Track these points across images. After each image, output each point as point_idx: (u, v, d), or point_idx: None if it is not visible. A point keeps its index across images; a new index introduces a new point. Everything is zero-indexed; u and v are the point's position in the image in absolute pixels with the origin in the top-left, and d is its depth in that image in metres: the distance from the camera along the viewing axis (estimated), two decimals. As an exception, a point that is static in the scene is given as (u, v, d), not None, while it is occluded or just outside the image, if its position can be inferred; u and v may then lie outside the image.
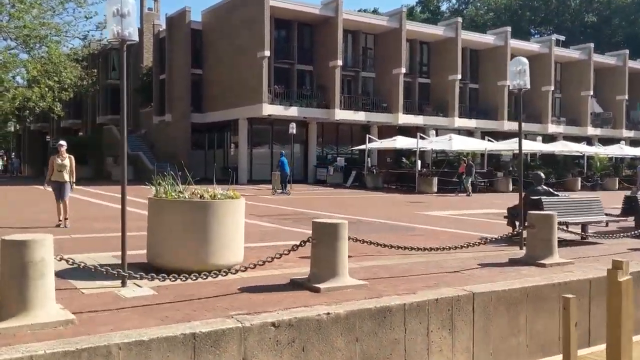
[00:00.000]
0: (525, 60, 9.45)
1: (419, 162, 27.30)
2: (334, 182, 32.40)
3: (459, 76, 37.74)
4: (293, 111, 32.08)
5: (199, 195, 7.11)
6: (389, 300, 5.84)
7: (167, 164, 37.08)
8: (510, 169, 31.14)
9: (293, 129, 28.31)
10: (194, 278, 5.86)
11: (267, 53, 30.73)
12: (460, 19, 38.90)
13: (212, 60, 35.84)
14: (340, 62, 32.98)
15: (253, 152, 33.91)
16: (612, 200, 17.15)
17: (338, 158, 34.80)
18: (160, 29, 39.89)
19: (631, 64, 46.58)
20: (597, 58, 44.84)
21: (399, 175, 30.09)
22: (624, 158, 38.47)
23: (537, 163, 33.40)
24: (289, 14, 32.97)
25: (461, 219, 14.98)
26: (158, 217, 7.07)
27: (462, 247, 7.95)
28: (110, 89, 46.91)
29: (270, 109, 31.25)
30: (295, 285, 6.46)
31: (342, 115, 33.33)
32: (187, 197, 7.07)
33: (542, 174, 11.31)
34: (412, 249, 7.33)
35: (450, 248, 7.84)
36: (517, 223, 11.02)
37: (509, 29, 40.63)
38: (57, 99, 32.41)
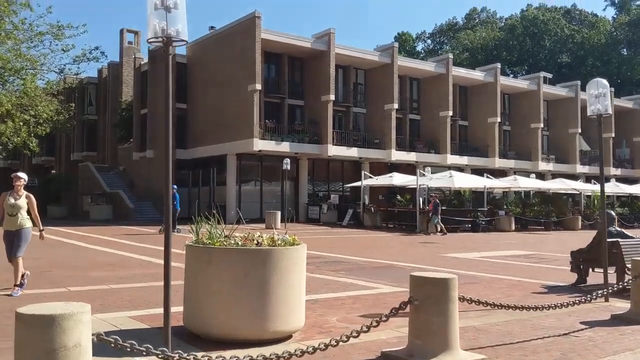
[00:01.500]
0: (605, 82, 8.25)
1: (420, 199, 25.99)
2: (329, 221, 30.88)
3: (451, 112, 36.98)
4: (285, 146, 30.68)
5: (254, 242, 5.56)
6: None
7: (149, 202, 35.28)
8: (505, 206, 30.12)
9: (287, 164, 26.92)
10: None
11: (259, 86, 29.46)
12: (451, 55, 38.39)
13: (197, 95, 34.42)
14: (332, 97, 31.88)
15: (242, 189, 32.26)
16: None
17: (332, 195, 33.35)
18: (142, 62, 38.41)
19: (616, 102, 46.63)
20: (584, 96, 44.67)
21: (397, 213, 28.71)
22: (619, 196, 37.92)
23: (536, 200, 32.46)
24: (280, 47, 31.90)
25: (497, 262, 13.58)
26: (201, 270, 5.48)
27: (562, 305, 6.49)
28: (87, 125, 45.04)
29: (261, 144, 29.81)
30: (392, 361, 4.92)
31: (335, 151, 32.06)
32: (239, 243, 5.52)
33: (614, 213, 10.03)
34: (523, 308, 5.85)
35: (550, 307, 6.37)
36: (582, 268, 9.69)
37: (498, 65, 40.31)
38: (32, 134, 30.52)
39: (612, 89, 44.97)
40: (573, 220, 30.64)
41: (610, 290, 6.67)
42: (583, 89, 45.24)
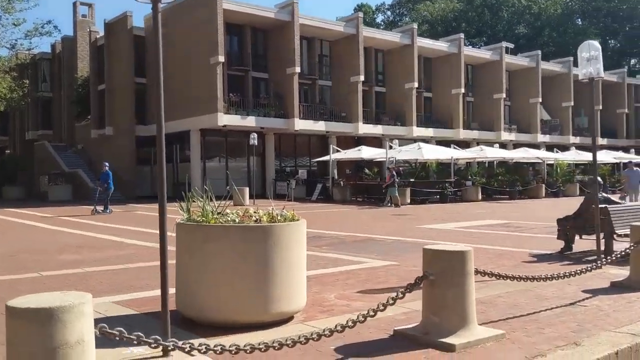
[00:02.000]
0: (597, 45, 8.05)
1: (386, 172, 25.81)
2: (297, 196, 30.50)
3: (416, 84, 36.86)
4: (250, 121, 30.05)
5: (253, 218, 5.17)
6: (567, 361, 4.12)
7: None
8: (470, 177, 30.27)
9: (254, 139, 26.34)
10: (262, 348, 3.90)
11: (222, 59, 28.63)
12: (416, 26, 38.15)
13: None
14: (298, 69, 31.29)
15: (207, 166, 31.55)
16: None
17: (300, 171, 32.93)
18: (98, 36, 36.90)
19: (575, 70, 47.30)
20: (545, 66, 45.26)
21: (367, 187, 28.54)
22: (578, 164, 38.65)
23: (501, 170, 32.77)
24: (242, 18, 31.01)
25: (476, 232, 13.50)
26: (195, 250, 5.06)
27: (568, 275, 6.32)
28: (41, 102, 43.24)
29: (226, 119, 29.10)
30: (407, 340, 4.63)
31: (302, 125, 31.59)
32: (236, 220, 5.12)
33: (601, 180, 9.95)
34: (534, 279, 5.63)
35: (555, 277, 6.20)
36: (569, 235, 9.62)
37: (461, 35, 40.29)
38: (-16, 112, 29.10)
39: (571, 59, 45.71)
40: (537, 188, 31.06)
41: (613, 258, 6.54)
42: (544, 59, 45.85)
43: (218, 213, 5.34)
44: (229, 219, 5.11)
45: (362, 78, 33.93)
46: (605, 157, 36.88)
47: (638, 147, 46.53)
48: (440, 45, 39.65)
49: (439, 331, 4.52)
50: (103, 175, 21.54)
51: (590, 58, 8.03)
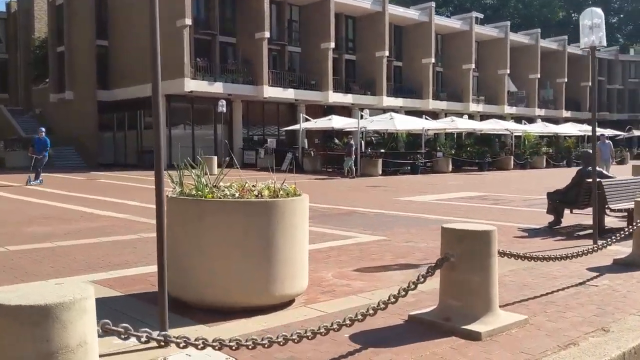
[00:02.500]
0: (600, 12, 7.71)
1: (362, 143, 25.50)
2: (266, 166, 29.88)
3: (387, 53, 36.36)
4: (218, 87, 29.14)
5: (254, 193, 4.69)
6: (605, 352, 3.83)
7: (71, 147, 32.95)
8: (440, 148, 30.18)
9: (223, 106, 25.60)
10: (281, 342, 3.49)
11: (189, 21, 27.52)
12: (388, -8, 37.42)
13: (120, 31, 31.88)
14: (267, 34, 30.38)
15: (172, 133, 30.59)
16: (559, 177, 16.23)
17: (269, 140, 32.27)
18: (56, -5, 35.09)
19: (541, 43, 47.57)
20: (513, 37, 45.27)
21: (337, 157, 28.13)
22: (543, 136, 39.04)
23: (471, 141, 32.81)
24: (209, -21, 29.85)
25: (457, 204, 13.29)
26: (190, 227, 4.57)
27: (582, 254, 6.07)
28: (-5, 64, 41.20)
29: (192, 85, 28.14)
30: (425, 326, 4.27)
31: (270, 92, 30.83)
32: (235, 194, 4.63)
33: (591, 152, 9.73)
34: (556, 259, 5.34)
35: (570, 256, 5.94)
36: (557, 210, 9.44)
37: (433, 4, 39.78)
38: None
39: (539, 30, 45.81)
40: (506, 160, 31.24)
41: (622, 236, 6.31)
42: (512, 29, 45.80)
43: (214, 186, 4.84)
44: (228, 193, 4.62)
45: (332, 45, 33.25)
46: (571, 129, 37.34)
47: (600, 120, 47.37)
48: (412, 13, 39.13)
49: (461, 317, 4.17)
50: (40, 141, 19.10)
51: (592, 26, 7.69)
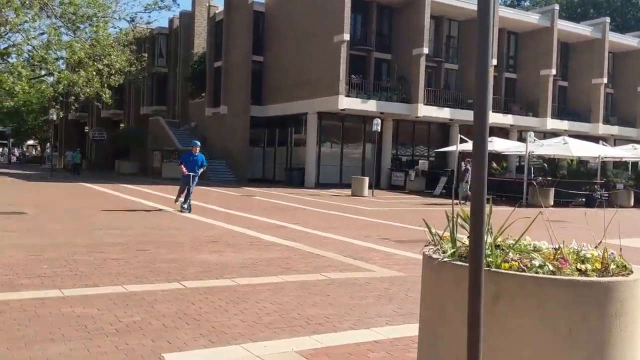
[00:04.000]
0: None
1: (532, 168, 22.93)
2: (416, 189, 28.23)
3: (554, 71, 33.21)
4: (371, 105, 27.94)
5: (574, 265, 3.03)
6: None
7: (223, 161, 33.45)
8: (621, 179, 26.54)
9: (378, 125, 24.23)
10: None
11: (347, 37, 26.66)
12: (557, 6, 34.29)
13: (276, 47, 31.89)
14: (426, 50, 28.74)
15: (322, 152, 29.85)
16: None
17: (420, 161, 30.52)
18: (217, 11, 36.08)
19: None
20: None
21: (498, 183, 25.70)
22: None
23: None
24: (367, -7, 28.88)
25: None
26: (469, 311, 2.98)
27: None
28: (156, 78, 43.42)
29: (346, 102, 27.17)
30: None
31: (425, 111, 29.09)
32: (549, 267, 2.99)
33: None
34: None
35: None
36: None
37: (607, 19, 35.92)
38: (105, 85, 28.93)
39: None
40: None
41: None
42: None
43: (496, 246, 3.24)
44: (536, 263, 2.99)
45: (494, 62, 30.85)
46: None
47: None
48: (582, 29, 35.58)
49: None
50: (197, 157, 14.77)
51: None
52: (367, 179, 24.39)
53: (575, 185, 24.13)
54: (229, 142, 33.05)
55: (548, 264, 3.03)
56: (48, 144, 63.62)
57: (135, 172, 37.27)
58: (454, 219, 3.39)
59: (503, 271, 2.99)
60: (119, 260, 7.56)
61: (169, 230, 10.92)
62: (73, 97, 29.43)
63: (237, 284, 6.43)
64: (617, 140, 36.26)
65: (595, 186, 23.81)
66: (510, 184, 24.70)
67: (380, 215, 15.83)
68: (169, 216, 13.46)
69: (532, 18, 33.25)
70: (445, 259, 3.19)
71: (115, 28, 32.32)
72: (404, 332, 4.81)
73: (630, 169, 30.03)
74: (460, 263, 3.13)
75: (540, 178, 22.46)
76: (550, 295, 2.85)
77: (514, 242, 3.34)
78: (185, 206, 14.27)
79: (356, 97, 27.84)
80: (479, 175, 2.48)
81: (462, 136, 27.09)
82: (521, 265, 3.01)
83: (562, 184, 23.44)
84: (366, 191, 24.04)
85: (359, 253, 8.97)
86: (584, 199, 23.59)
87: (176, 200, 14.74)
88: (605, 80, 35.36)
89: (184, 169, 14.43)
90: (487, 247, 3.23)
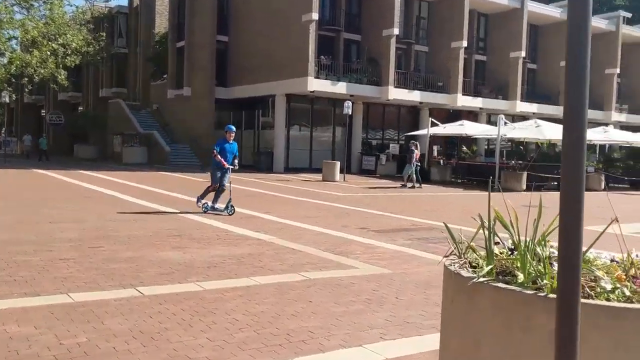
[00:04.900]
0: None
1: (505, 152, 22.55)
2: (387, 174, 27.64)
3: (523, 54, 32.91)
4: (341, 87, 27.13)
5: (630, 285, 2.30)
6: None
7: (186, 145, 32.25)
8: (592, 162, 26.42)
9: (349, 108, 23.43)
10: None
11: (315, 16, 25.72)
12: (527, -13, 33.94)
13: (242, 26, 30.69)
14: (396, 31, 28.01)
15: (290, 135, 28.97)
16: None
17: (391, 145, 29.91)
18: (179, -11, 34.59)
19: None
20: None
21: (469, 167, 25.28)
22: None
23: (622, 155, 28.76)
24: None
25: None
26: (520, 341, 2.24)
27: None
28: (116, 59, 41.70)
29: (316, 84, 26.30)
30: None
31: (395, 94, 28.44)
32: (624, 292, 2.25)
33: None
34: None
35: None
36: None
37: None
38: (60, 65, 27.40)
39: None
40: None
41: None
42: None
43: (510, 251, 2.52)
44: (608, 287, 2.25)
45: (464, 44, 30.34)
46: None
47: None
48: (552, 11, 35.34)
49: None
50: (233, 146, 12.32)
51: None
52: (338, 164, 23.65)
53: (547, 168, 23.84)
54: (193, 126, 31.86)
55: (619, 285, 2.31)
56: (3, 129, 60.98)
57: (94, 157, 35.74)
58: (491, 224, 2.65)
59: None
60: (69, 260, 6.64)
61: (127, 222, 9.97)
62: (26, 79, 27.79)
63: (204, 289, 5.60)
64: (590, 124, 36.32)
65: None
66: (481, 168, 24.28)
67: (354, 201, 15.11)
68: (129, 205, 12.46)
69: (502, -1, 32.81)
70: (481, 279, 2.43)
71: (71, 6, 30.84)
72: (405, 350, 4.08)
73: (597, 152, 30.01)
74: (502, 285, 2.36)
75: (513, 162, 22.06)
76: (623, 327, 2.13)
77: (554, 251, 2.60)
78: (225, 207, 11.28)
79: (326, 78, 27.00)
80: (576, 190, 1.70)
81: (432, 119, 26.55)
82: (586, 288, 2.27)
83: (534, 168, 23.13)
84: (337, 176, 23.32)
85: (338, 246, 8.23)
86: (555, 182, 23.31)
87: (198, 201, 11.51)
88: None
89: (222, 160, 11.39)
90: (530, 256, 2.51)
